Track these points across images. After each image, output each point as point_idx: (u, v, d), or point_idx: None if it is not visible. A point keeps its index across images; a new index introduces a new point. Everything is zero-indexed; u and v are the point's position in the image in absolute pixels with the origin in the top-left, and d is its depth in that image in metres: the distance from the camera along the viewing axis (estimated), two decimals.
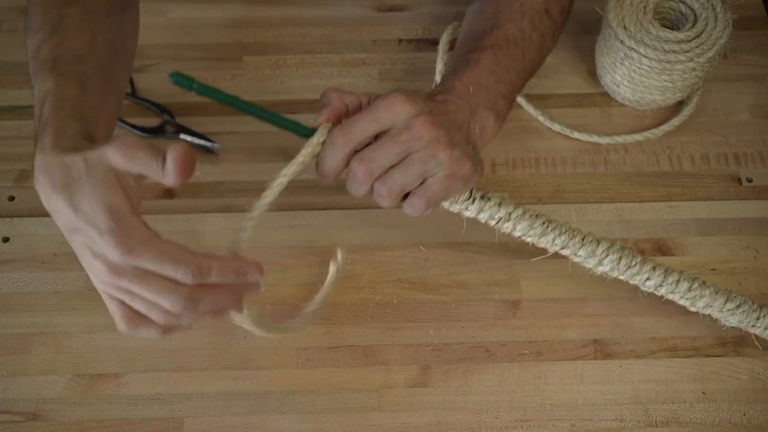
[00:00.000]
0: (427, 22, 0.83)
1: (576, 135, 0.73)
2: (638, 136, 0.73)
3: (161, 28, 0.82)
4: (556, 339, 0.63)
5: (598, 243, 0.58)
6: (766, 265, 0.66)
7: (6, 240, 0.68)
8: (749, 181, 0.71)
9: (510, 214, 0.57)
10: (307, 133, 0.52)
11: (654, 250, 0.67)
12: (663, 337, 0.63)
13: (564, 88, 0.77)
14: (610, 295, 0.65)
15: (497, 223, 0.57)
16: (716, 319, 0.60)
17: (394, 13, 0.84)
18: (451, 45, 0.78)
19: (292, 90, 0.77)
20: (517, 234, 0.58)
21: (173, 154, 0.45)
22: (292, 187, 0.64)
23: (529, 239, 0.58)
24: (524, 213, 0.57)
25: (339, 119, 0.53)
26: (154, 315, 0.47)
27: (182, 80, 0.48)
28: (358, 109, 0.53)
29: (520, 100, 0.75)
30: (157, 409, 0.60)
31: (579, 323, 0.64)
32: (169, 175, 0.46)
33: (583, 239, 0.58)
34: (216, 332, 0.63)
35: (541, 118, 0.74)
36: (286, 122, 0.52)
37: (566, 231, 0.58)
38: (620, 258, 0.58)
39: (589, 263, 0.59)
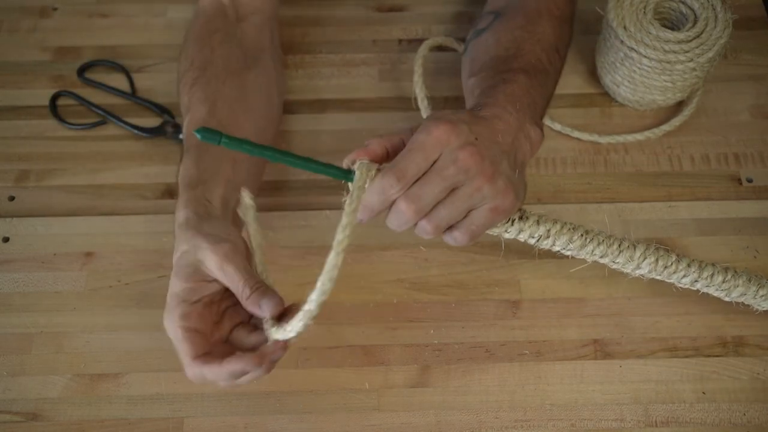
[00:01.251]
0: (427, 22, 0.83)
1: (576, 135, 0.73)
2: (638, 136, 0.73)
3: (161, 28, 0.82)
4: (556, 339, 0.63)
5: (635, 248, 0.58)
6: (766, 265, 0.66)
7: (6, 240, 0.68)
8: (749, 181, 0.71)
9: (549, 231, 0.57)
10: (345, 174, 0.51)
11: None
12: (663, 337, 0.63)
13: (564, 88, 0.77)
14: (610, 295, 0.65)
15: (537, 241, 0.57)
16: (749, 305, 0.61)
17: (394, 13, 0.84)
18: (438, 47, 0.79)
19: (293, 90, 0.77)
20: (555, 249, 0.58)
21: (270, 305, 0.52)
22: (292, 187, 0.64)
23: (568, 253, 0.58)
24: (562, 228, 0.57)
25: (373, 161, 0.52)
26: None
27: (210, 135, 0.47)
28: (402, 147, 0.52)
29: None
30: (157, 409, 0.60)
31: (579, 323, 0.64)
32: (259, 310, 0.52)
33: (620, 245, 0.58)
34: None
35: None
36: (322, 166, 0.51)
37: (603, 240, 0.58)
38: (657, 260, 0.58)
39: (627, 268, 0.59)
